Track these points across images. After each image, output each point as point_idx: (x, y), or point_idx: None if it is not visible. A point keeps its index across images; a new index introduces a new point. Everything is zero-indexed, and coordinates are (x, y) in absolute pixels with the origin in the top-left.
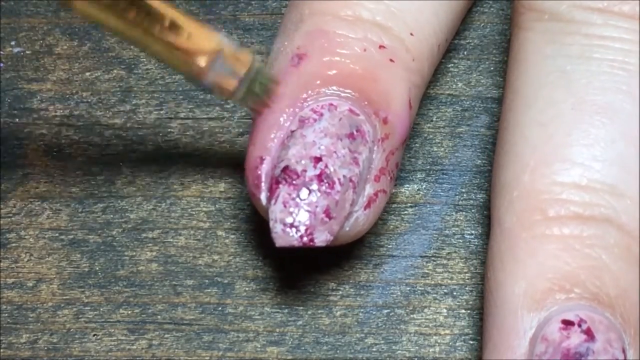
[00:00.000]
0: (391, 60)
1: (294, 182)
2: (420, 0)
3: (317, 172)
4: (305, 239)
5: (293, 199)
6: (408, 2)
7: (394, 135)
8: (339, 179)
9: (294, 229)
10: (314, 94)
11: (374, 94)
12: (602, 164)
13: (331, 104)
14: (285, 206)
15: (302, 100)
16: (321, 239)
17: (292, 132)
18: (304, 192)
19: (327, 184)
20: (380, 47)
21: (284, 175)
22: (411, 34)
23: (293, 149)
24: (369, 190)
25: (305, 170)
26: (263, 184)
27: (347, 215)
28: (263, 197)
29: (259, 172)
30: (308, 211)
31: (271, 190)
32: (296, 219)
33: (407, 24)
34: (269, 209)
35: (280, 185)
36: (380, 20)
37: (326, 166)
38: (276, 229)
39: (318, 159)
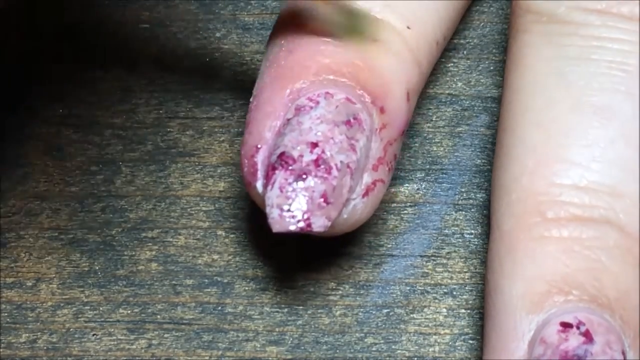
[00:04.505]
0: (387, 51)
1: (290, 167)
2: None
3: (314, 157)
4: (302, 223)
5: (290, 184)
6: None
7: (391, 125)
8: (336, 165)
9: (290, 214)
10: (310, 82)
11: (370, 83)
12: (601, 165)
13: (327, 92)
14: (281, 191)
15: (298, 88)
16: (319, 224)
17: (289, 120)
18: (300, 177)
19: (324, 169)
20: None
21: (280, 161)
22: (408, 27)
23: (289, 135)
24: (367, 179)
25: (301, 156)
26: (259, 172)
27: (345, 202)
28: (259, 185)
29: (255, 160)
30: (305, 196)
31: (267, 177)
32: (293, 204)
33: (404, 17)
34: (265, 194)
35: (277, 171)
36: (377, 12)
37: (323, 152)
38: (273, 214)
39: (315, 145)
